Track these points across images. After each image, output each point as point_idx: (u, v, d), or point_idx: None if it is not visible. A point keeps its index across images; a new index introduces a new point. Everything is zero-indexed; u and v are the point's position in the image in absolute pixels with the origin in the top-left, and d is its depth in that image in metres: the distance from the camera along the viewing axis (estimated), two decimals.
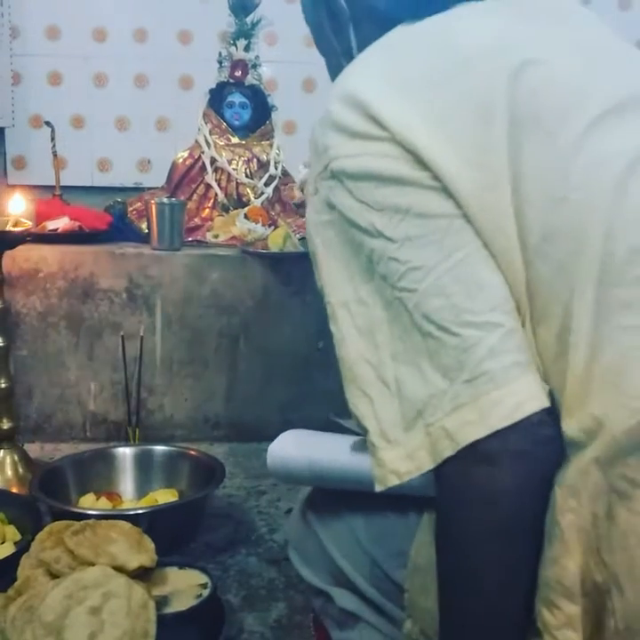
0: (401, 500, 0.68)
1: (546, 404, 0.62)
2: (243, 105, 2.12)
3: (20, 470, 1.59)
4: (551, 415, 0.63)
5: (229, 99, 2.12)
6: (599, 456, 0.60)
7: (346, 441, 0.91)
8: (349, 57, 0.82)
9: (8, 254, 1.59)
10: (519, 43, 0.70)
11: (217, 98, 2.14)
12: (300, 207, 2.06)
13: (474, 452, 0.62)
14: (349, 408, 0.70)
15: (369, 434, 0.67)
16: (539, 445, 0.62)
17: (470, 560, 0.64)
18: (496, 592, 0.64)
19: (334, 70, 0.86)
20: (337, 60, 0.86)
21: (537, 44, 0.71)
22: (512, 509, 0.62)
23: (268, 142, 2.16)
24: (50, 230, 1.91)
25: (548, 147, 0.65)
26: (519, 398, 0.62)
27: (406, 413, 0.65)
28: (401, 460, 0.65)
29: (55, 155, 2.12)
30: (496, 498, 0.62)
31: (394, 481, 0.66)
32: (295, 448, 0.97)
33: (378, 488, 0.67)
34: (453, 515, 0.64)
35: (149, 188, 2.23)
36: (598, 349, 0.61)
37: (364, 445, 0.71)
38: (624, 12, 2.48)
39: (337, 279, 0.70)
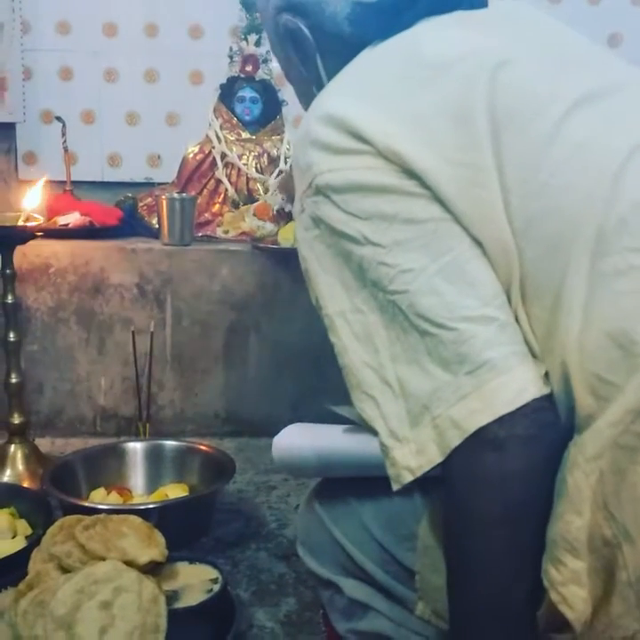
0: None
1: (546, 390, 0.64)
2: (253, 100, 2.12)
3: (31, 465, 1.59)
4: (551, 401, 0.65)
5: (240, 93, 2.12)
6: (614, 419, 0.62)
7: (348, 430, 0.92)
8: (320, 85, 0.84)
9: (19, 249, 1.60)
10: (491, 47, 0.73)
11: (227, 93, 2.14)
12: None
13: (481, 439, 0.63)
14: (358, 413, 0.71)
15: (379, 436, 0.69)
16: (544, 429, 0.63)
17: (480, 545, 0.65)
18: (505, 575, 0.65)
19: (306, 99, 0.89)
20: (308, 88, 0.88)
21: (508, 47, 0.73)
22: (520, 493, 0.64)
23: (278, 137, 2.16)
24: (61, 225, 1.92)
25: (523, 138, 0.68)
26: (521, 384, 0.63)
27: (412, 410, 0.67)
28: (412, 455, 0.66)
29: (66, 150, 2.12)
30: (505, 482, 0.63)
31: (408, 477, 0.67)
32: (300, 439, 0.98)
33: (394, 487, 0.68)
34: (463, 501, 0.66)
35: (160, 184, 2.23)
36: (596, 314, 0.63)
37: (365, 432, 0.72)
38: (594, 6, 2.47)
39: (331, 291, 0.72)
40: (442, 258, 0.67)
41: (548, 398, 0.65)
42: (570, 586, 0.64)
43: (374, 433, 0.70)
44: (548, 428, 0.64)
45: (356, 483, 0.91)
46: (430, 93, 0.70)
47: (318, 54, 0.85)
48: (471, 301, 0.66)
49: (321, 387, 1.86)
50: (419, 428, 0.66)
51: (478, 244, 0.67)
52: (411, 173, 0.68)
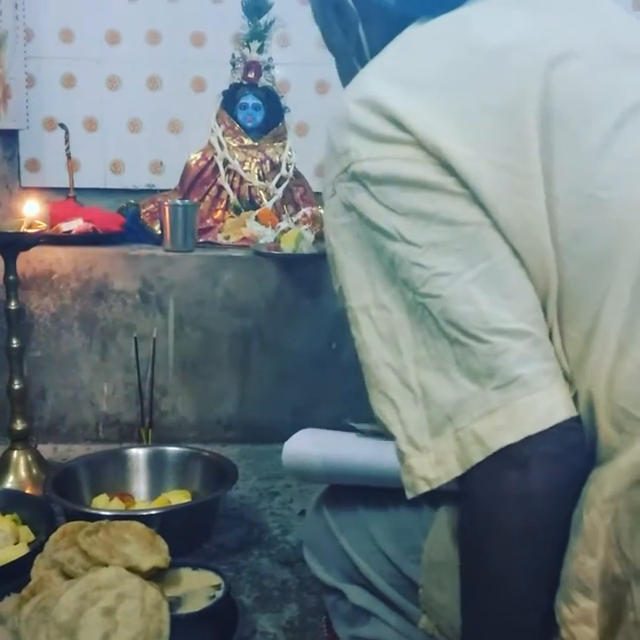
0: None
1: (575, 412, 0.62)
2: (256, 106, 2.13)
3: (34, 471, 1.59)
4: (579, 422, 0.63)
5: (242, 100, 2.13)
6: (637, 459, 0.60)
7: (360, 439, 0.91)
8: (361, 56, 0.82)
9: (22, 256, 1.60)
10: (547, 37, 0.69)
11: (230, 99, 2.14)
12: None
13: (505, 457, 0.61)
14: (374, 414, 0.69)
15: (397, 441, 0.67)
16: (570, 450, 0.62)
17: (497, 563, 0.63)
18: (522, 596, 0.64)
19: (345, 70, 0.85)
20: (348, 59, 0.85)
21: (565, 36, 0.69)
22: (541, 514, 0.62)
23: (280, 144, 2.16)
24: (64, 232, 1.92)
25: (575, 145, 0.64)
26: (551, 404, 0.61)
27: (433, 418, 0.64)
28: (430, 465, 0.64)
29: (69, 157, 2.12)
30: (527, 501, 0.61)
31: (423, 488, 0.65)
32: (311, 445, 0.97)
33: (409, 495, 0.66)
34: (482, 518, 0.64)
35: (162, 190, 2.24)
36: (632, 347, 0.61)
37: (378, 442, 0.71)
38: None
39: (357, 283, 0.69)
40: (479, 265, 0.64)
41: (577, 420, 0.63)
42: (580, 625, 0.63)
43: (391, 437, 0.68)
44: (573, 449, 0.62)
45: (365, 491, 0.90)
46: (480, 86, 0.66)
47: (361, 24, 0.81)
48: (506, 314, 0.63)
49: (324, 393, 1.87)
50: (440, 439, 0.64)
51: (516, 254, 0.64)
52: (451, 170, 0.64)
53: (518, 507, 0.61)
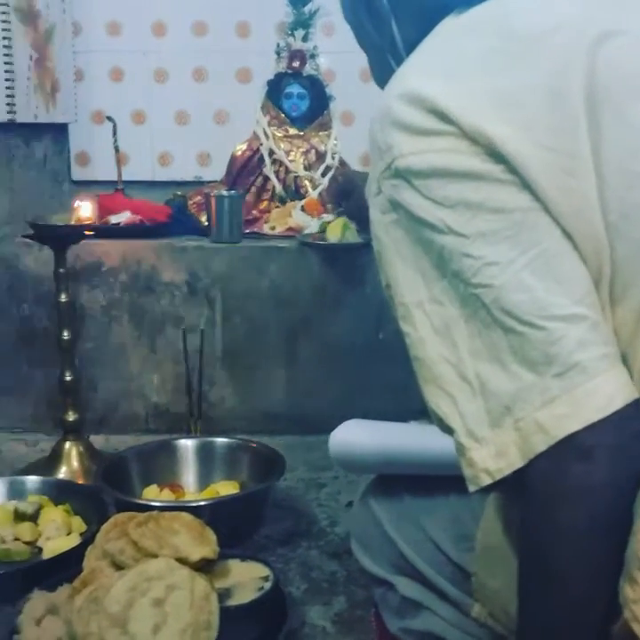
0: (464, 483, 0.66)
1: (636, 394, 0.61)
2: (301, 96, 2.12)
3: (86, 462, 1.62)
4: (638, 407, 0.61)
5: (288, 90, 2.12)
6: None
7: (408, 426, 0.90)
8: (395, 52, 0.81)
9: (72, 249, 1.62)
10: (591, 16, 0.67)
11: (275, 89, 2.14)
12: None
13: (568, 447, 0.60)
14: (430, 408, 0.68)
15: (455, 433, 0.66)
16: (633, 439, 0.60)
17: (561, 557, 0.62)
18: (585, 590, 0.63)
19: (379, 67, 0.85)
20: (381, 56, 0.84)
21: (609, 16, 0.67)
22: (606, 505, 0.60)
23: (325, 133, 2.15)
24: (112, 225, 1.94)
25: (622, 123, 0.63)
26: (611, 390, 0.60)
27: (492, 410, 0.63)
28: (491, 458, 0.63)
29: (117, 150, 2.14)
30: (591, 494, 0.60)
31: (486, 480, 0.64)
32: (359, 435, 0.97)
33: (471, 488, 0.66)
34: (545, 511, 0.62)
35: (209, 182, 2.25)
36: None
37: (427, 429, 0.70)
38: None
39: (408, 279, 0.68)
40: (530, 251, 0.63)
41: (637, 404, 0.61)
42: None
43: (449, 431, 0.67)
44: (636, 438, 0.60)
45: (413, 480, 0.90)
46: (522, 69, 0.65)
47: (393, 19, 0.80)
48: (561, 299, 0.62)
49: (370, 383, 1.86)
50: (499, 430, 0.63)
51: (568, 236, 0.63)
52: (498, 157, 0.63)
53: (583, 500, 0.60)
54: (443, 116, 0.65)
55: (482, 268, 0.64)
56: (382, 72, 0.80)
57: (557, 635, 0.65)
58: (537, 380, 0.61)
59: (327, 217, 1.96)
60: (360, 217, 1.82)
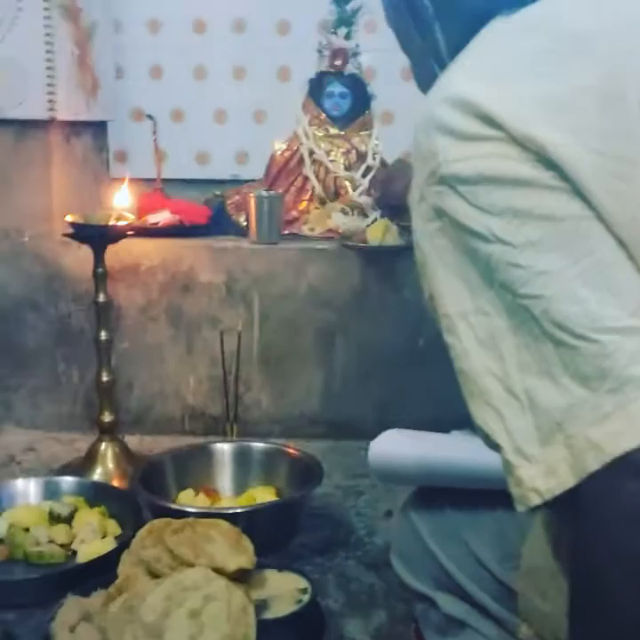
0: (509, 497, 0.64)
1: None
2: (343, 95, 2.09)
3: (121, 463, 1.61)
4: None
5: (329, 89, 2.09)
6: None
7: (452, 438, 0.89)
8: (438, 57, 0.78)
9: (111, 248, 1.61)
10: None
11: (316, 88, 2.11)
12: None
13: (623, 465, 0.57)
14: (476, 423, 0.66)
15: (503, 451, 0.63)
16: None
17: (617, 582, 0.59)
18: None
19: (422, 71, 0.83)
20: (425, 60, 0.82)
21: None
22: None
23: (366, 133, 2.12)
24: (151, 224, 1.94)
25: None
26: None
27: (542, 426, 0.61)
28: (540, 477, 0.61)
29: (157, 148, 2.14)
30: None
31: (535, 500, 0.62)
32: (399, 445, 0.95)
33: (519, 508, 0.63)
34: (599, 533, 0.60)
35: (247, 181, 2.23)
36: None
37: (473, 441, 0.68)
38: None
39: (453, 290, 0.66)
40: (582, 261, 0.61)
41: None
42: None
43: (496, 447, 0.65)
44: None
45: (455, 493, 0.88)
46: (574, 70, 0.63)
47: (437, 23, 0.78)
48: (615, 311, 0.60)
49: (409, 389, 1.82)
50: (550, 447, 0.60)
51: (623, 245, 0.61)
52: (549, 163, 0.61)
53: (638, 521, 0.57)
54: (490, 121, 0.63)
55: (531, 277, 0.62)
56: (425, 77, 0.78)
57: None
58: (589, 396, 0.59)
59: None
60: (398, 208, 1.78)
